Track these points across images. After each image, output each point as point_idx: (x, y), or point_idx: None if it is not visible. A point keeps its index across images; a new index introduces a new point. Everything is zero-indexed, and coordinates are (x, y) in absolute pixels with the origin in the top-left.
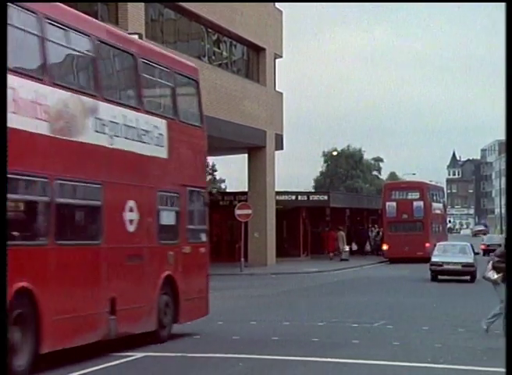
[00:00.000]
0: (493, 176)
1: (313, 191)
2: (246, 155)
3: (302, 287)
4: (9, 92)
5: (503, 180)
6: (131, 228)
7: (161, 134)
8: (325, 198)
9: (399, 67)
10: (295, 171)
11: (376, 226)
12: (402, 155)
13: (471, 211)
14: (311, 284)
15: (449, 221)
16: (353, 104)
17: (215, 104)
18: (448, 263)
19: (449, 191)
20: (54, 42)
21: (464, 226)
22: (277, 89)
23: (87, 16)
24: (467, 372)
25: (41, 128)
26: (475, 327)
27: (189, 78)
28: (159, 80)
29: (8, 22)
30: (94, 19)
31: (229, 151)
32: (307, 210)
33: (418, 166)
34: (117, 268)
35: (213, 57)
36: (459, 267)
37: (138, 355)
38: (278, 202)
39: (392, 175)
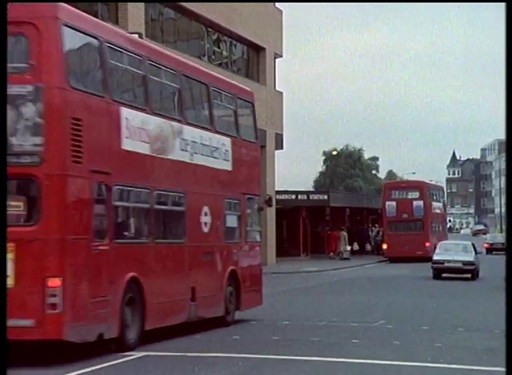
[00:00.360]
0: (493, 176)
1: (313, 190)
2: None
3: (302, 287)
4: (123, 121)
5: (503, 179)
6: (206, 229)
7: (227, 150)
8: (325, 197)
9: (399, 67)
10: (295, 171)
11: (377, 225)
12: (402, 154)
13: (471, 210)
14: (311, 284)
15: (449, 220)
16: (353, 103)
17: None
18: (449, 261)
19: (449, 191)
20: (153, 79)
21: (464, 226)
22: (277, 88)
23: (175, 56)
24: (467, 371)
25: (145, 149)
26: (475, 327)
27: (247, 101)
28: (225, 104)
29: (122, 65)
30: (179, 57)
31: None
32: (307, 210)
33: (418, 166)
34: (196, 263)
35: (213, 56)
36: (460, 265)
37: (138, 354)
38: (278, 202)
39: (391, 173)
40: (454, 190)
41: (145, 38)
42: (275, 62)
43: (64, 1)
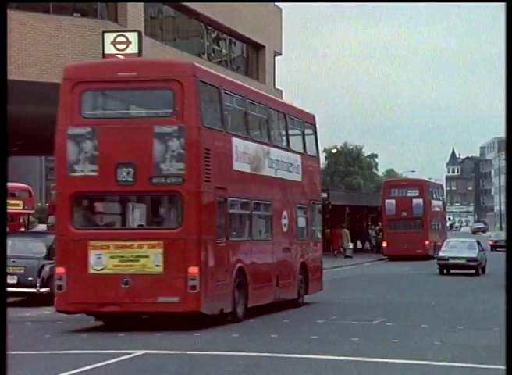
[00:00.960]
0: (492, 174)
1: None
2: None
3: None
4: (234, 148)
5: (503, 177)
6: (285, 229)
7: (298, 165)
8: (325, 195)
9: (398, 65)
10: None
11: (379, 223)
12: (401, 152)
13: (471, 208)
14: None
15: (449, 218)
16: (352, 101)
17: None
18: (453, 258)
19: (448, 189)
20: (251, 113)
21: (464, 224)
22: (276, 86)
23: (264, 93)
24: (466, 369)
25: (246, 168)
26: (475, 325)
27: (310, 123)
28: (296, 128)
29: (232, 105)
30: (267, 94)
31: None
32: None
33: (418, 164)
34: (278, 256)
35: (212, 54)
36: (464, 261)
37: (137, 352)
38: None
39: (390, 171)
40: (454, 188)
41: (144, 36)
42: (274, 60)
43: (64, 1)
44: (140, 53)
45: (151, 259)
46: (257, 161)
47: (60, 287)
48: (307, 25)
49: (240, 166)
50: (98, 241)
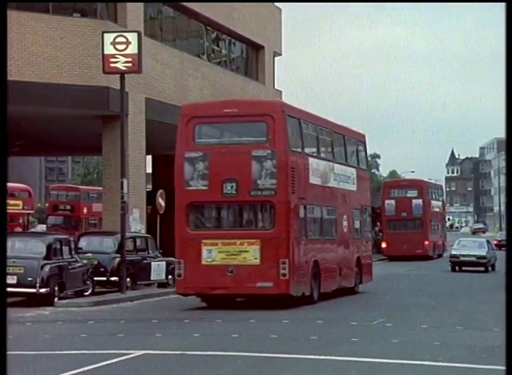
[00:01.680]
0: (492, 175)
1: None
2: None
3: None
4: (310, 166)
5: (502, 178)
6: (345, 230)
7: (354, 177)
8: None
9: (398, 65)
10: None
11: (378, 223)
12: (401, 153)
13: (470, 209)
14: None
15: (449, 219)
16: (352, 102)
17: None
18: (464, 256)
19: (448, 189)
20: (320, 137)
21: (464, 224)
22: (276, 87)
23: (329, 119)
24: (466, 370)
25: (318, 181)
26: (474, 325)
27: (362, 142)
28: (352, 146)
29: (307, 131)
30: (330, 120)
31: None
32: None
33: (417, 164)
34: (341, 252)
35: (212, 55)
36: (474, 259)
37: (137, 352)
38: None
39: (393, 173)
40: (453, 188)
41: (144, 37)
42: (274, 60)
43: (63, 1)
44: (139, 53)
45: (251, 253)
46: (325, 175)
47: (179, 275)
48: (307, 25)
49: (313, 179)
50: (209, 240)
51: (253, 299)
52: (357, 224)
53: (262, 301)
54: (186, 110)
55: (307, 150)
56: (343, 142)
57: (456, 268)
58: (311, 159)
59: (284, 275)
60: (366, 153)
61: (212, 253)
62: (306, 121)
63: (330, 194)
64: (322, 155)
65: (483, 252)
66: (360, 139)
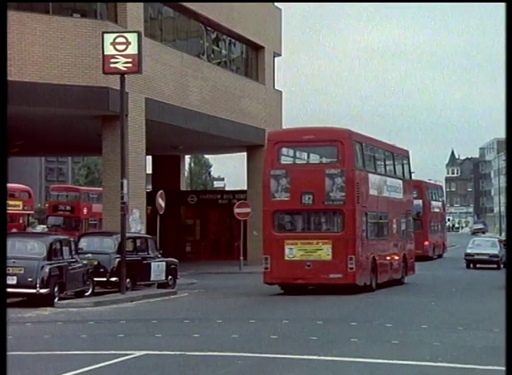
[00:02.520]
0: (492, 175)
1: None
2: (245, 154)
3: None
4: (369, 180)
5: (502, 178)
6: (394, 231)
7: (400, 188)
8: None
9: (397, 65)
10: None
11: None
12: None
13: (470, 209)
14: None
15: (448, 219)
16: (351, 102)
17: (213, 102)
18: (478, 254)
19: (448, 190)
20: (375, 155)
21: (463, 225)
22: (276, 87)
23: (382, 140)
24: (466, 370)
25: (375, 192)
26: (474, 325)
27: (406, 157)
28: (399, 161)
29: (367, 152)
30: (383, 140)
31: (227, 149)
32: None
33: (417, 165)
34: (392, 249)
35: (212, 55)
36: (487, 257)
37: (137, 353)
38: None
39: None
40: (453, 189)
41: (144, 37)
42: (274, 61)
43: (63, 1)
44: (139, 54)
45: (324, 251)
46: (380, 187)
47: (266, 268)
48: (307, 25)
49: (372, 191)
50: (290, 240)
51: (322, 288)
52: (403, 226)
53: (329, 289)
54: (273, 136)
55: (367, 167)
56: (393, 159)
57: (471, 265)
58: (370, 175)
59: (351, 268)
60: (410, 166)
61: (293, 251)
62: (366, 144)
63: (383, 203)
64: (378, 170)
65: (495, 251)
66: (405, 154)
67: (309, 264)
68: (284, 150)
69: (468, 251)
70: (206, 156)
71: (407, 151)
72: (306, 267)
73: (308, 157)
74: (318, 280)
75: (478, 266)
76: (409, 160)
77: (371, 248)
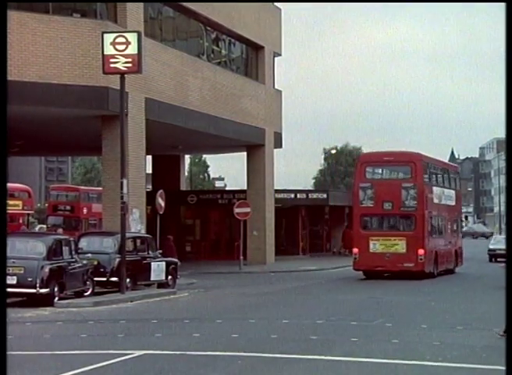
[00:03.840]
0: (492, 175)
1: (312, 189)
2: (245, 154)
3: (301, 286)
4: (434, 191)
5: (502, 178)
6: (449, 231)
7: (453, 196)
8: (325, 196)
9: (398, 65)
10: (294, 169)
11: None
12: None
13: (470, 209)
14: (309, 282)
15: None
16: (351, 101)
17: (213, 102)
18: (500, 250)
19: None
20: (437, 172)
21: (464, 224)
22: (276, 87)
23: (441, 159)
24: (466, 370)
25: (437, 201)
26: (474, 325)
27: (457, 171)
28: (452, 175)
29: (432, 170)
30: (441, 159)
31: (227, 149)
32: (306, 208)
33: None
34: (448, 245)
35: (212, 55)
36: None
37: (137, 353)
38: (277, 200)
39: None
40: None
41: (144, 37)
42: (274, 60)
43: (63, 1)
44: (139, 54)
45: (400, 246)
46: (440, 197)
47: (355, 258)
48: (307, 25)
49: (435, 200)
50: (374, 237)
51: (396, 274)
52: (454, 227)
53: (401, 276)
54: (362, 158)
55: (431, 182)
56: (448, 174)
57: (493, 259)
58: (434, 188)
59: (421, 259)
60: (460, 178)
61: (376, 245)
62: (431, 163)
63: (442, 209)
64: (439, 183)
65: None
66: (456, 170)
67: (388, 255)
68: (369, 168)
69: (491, 246)
70: (204, 156)
71: (457, 167)
72: (385, 258)
73: (388, 173)
74: (395, 268)
75: (498, 259)
76: (459, 174)
77: (434, 244)
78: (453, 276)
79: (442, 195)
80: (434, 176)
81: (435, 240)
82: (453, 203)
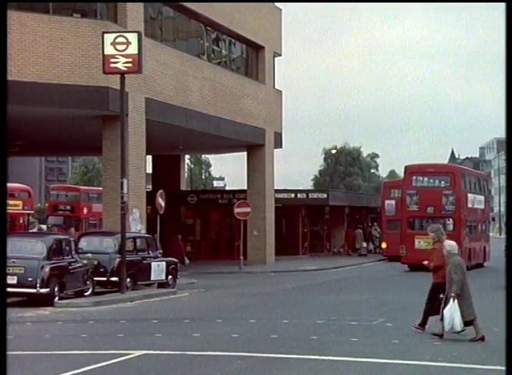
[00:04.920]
0: (492, 175)
1: (312, 189)
2: (245, 153)
3: (301, 286)
4: (469, 198)
5: (502, 178)
6: (479, 231)
7: (483, 201)
8: (324, 196)
9: (397, 65)
10: (294, 169)
11: (375, 224)
12: (400, 153)
13: None
14: (309, 282)
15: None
16: (351, 102)
17: (213, 102)
18: None
19: None
20: (471, 181)
21: None
22: (276, 87)
23: (473, 170)
24: (466, 370)
25: (470, 206)
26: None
27: (486, 179)
28: (482, 183)
29: (467, 179)
30: (473, 170)
31: (228, 149)
32: (306, 208)
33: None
34: (478, 243)
35: (212, 55)
36: None
37: (137, 353)
38: (277, 200)
39: (392, 173)
40: None
41: (144, 37)
42: (274, 60)
43: (63, 1)
44: (139, 54)
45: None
46: (473, 202)
47: (403, 253)
48: (307, 25)
49: (469, 205)
50: (419, 236)
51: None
52: (483, 227)
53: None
54: (410, 169)
55: (467, 189)
56: (479, 181)
57: None
58: (468, 195)
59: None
60: (489, 185)
61: (420, 242)
62: (466, 174)
63: (474, 212)
64: (472, 190)
65: None
66: (485, 177)
67: (429, 251)
68: (414, 177)
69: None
70: (206, 156)
71: (486, 175)
72: (429, 254)
73: (431, 182)
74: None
75: None
76: (487, 181)
77: (468, 241)
78: (481, 270)
79: (475, 200)
80: (468, 184)
81: (469, 238)
82: (483, 207)
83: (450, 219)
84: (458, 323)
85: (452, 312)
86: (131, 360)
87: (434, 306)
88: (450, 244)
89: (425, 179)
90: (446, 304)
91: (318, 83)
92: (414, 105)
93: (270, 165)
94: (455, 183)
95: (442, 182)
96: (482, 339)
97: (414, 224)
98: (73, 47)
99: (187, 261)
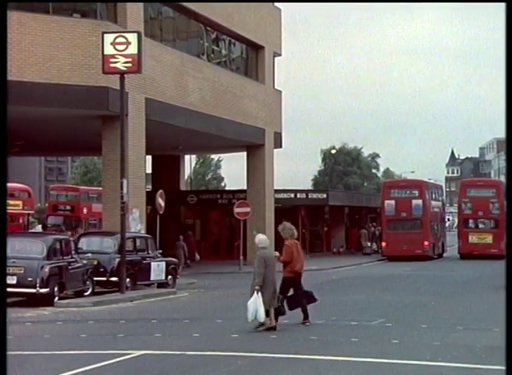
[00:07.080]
0: (492, 175)
1: (312, 189)
2: (245, 153)
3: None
4: (432, 205)
5: (502, 178)
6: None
7: (440, 206)
8: (324, 196)
9: (397, 65)
10: (294, 169)
11: (374, 223)
12: (401, 153)
13: None
14: (309, 282)
15: (448, 219)
16: (351, 102)
17: (213, 102)
18: None
19: (448, 189)
20: (434, 192)
21: None
22: (276, 87)
23: (436, 182)
24: (465, 370)
25: (432, 210)
26: (474, 325)
27: (441, 189)
28: (437, 192)
29: (431, 189)
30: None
31: (227, 149)
32: (306, 208)
33: (417, 164)
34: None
35: (212, 55)
36: None
37: (136, 353)
38: (277, 200)
39: (387, 172)
40: (453, 188)
41: (144, 37)
42: (274, 60)
43: (63, 1)
44: (139, 54)
45: (488, 238)
46: (433, 207)
47: (459, 246)
48: (307, 25)
49: (431, 209)
50: (472, 232)
51: (486, 257)
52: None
53: (489, 258)
54: (464, 182)
55: (429, 198)
56: (437, 192)
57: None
58: (432, 202)
59: (502, 247)
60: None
61: (473, 238)
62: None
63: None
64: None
65: None
66: (440, 188)
67: (481, 245)
68: (468, 189)
69: None
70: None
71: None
72: (479, 246)
73: (480, 193)
74: (485, 252)
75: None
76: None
77: (433, 238)
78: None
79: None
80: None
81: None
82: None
83: (495, 221)
84: (261, 314)
85: (255, 303)
86: (131, 360)
87: (295, 298)
88: (260, 239)
89: (476, 190)
90: (251, 296)
91: (318, 83)
92: (414, 105)
93: (270, 165)
94: (499, 194)
95: (490, 192)
96: (274, 328)
97: (469, 224)
98: (73, 47)
99: (198, 257)
